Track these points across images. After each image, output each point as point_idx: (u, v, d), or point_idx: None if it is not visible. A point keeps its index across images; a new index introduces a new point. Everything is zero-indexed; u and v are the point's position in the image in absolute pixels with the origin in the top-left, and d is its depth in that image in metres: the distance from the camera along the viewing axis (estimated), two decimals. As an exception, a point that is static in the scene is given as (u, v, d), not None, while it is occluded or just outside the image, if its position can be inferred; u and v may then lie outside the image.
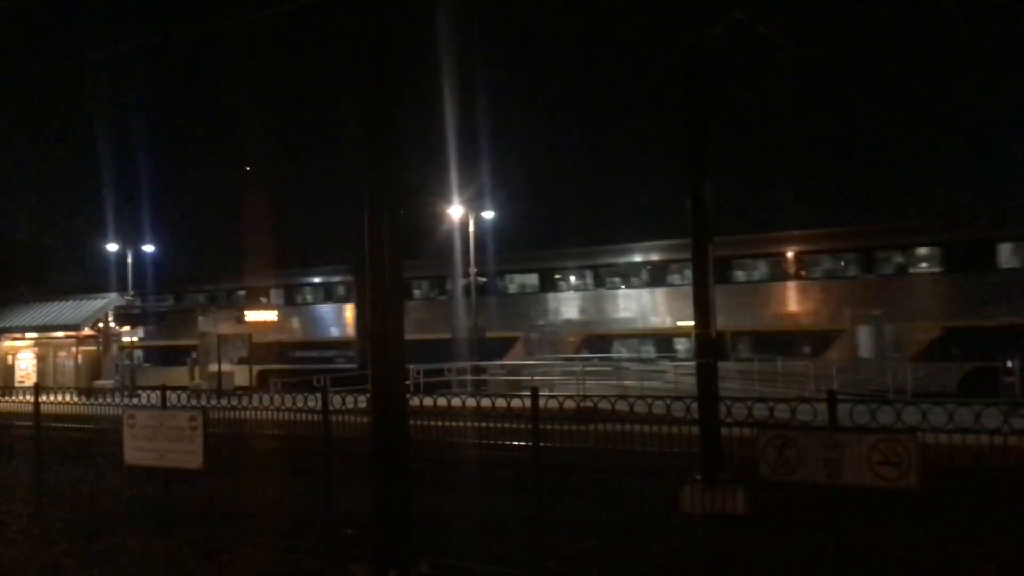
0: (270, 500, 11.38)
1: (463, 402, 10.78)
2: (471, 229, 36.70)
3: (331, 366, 36.66)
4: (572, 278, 37.91)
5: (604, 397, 9.87)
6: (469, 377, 32.45)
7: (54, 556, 10.59)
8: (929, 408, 7.74)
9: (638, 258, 36.52)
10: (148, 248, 55.61)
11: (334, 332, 42.31)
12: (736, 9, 12.29)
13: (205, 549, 10.34)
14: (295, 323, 42.99)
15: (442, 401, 10.40)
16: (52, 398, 13.31)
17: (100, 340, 37.25)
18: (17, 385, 34.09)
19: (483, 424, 10.65)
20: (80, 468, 12.79)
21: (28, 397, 12.95)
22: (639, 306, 35.86)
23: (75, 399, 13.93)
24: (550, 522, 9.35)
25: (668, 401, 9.38)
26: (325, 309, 43.25)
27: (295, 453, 11.46)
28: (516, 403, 9.53)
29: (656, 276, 35.61)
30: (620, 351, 35.55)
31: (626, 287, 36.51)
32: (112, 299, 38.42)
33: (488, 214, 38.60)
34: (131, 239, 54.74)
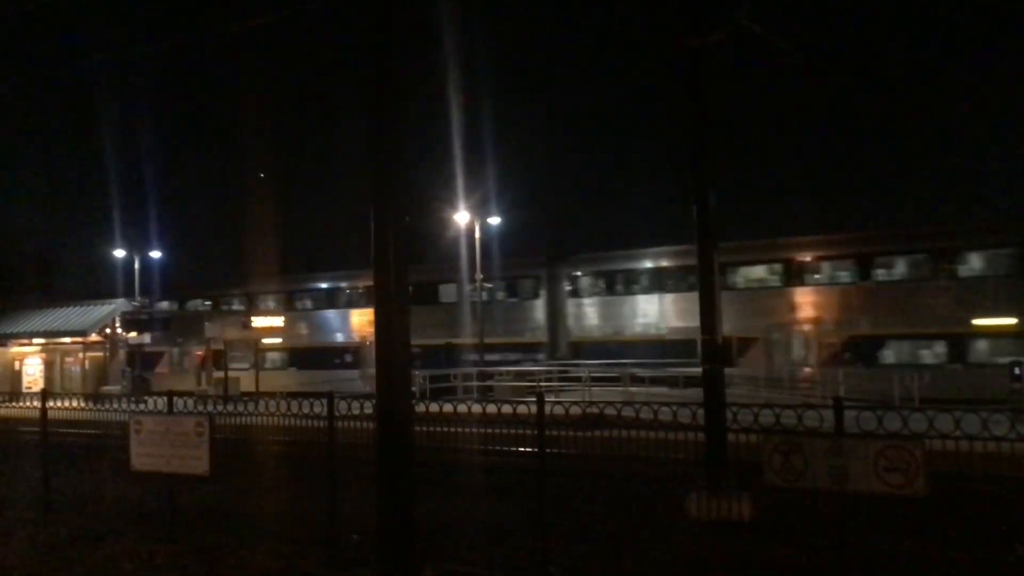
0: (275, 506, 11.39)
1: (469, 408, 10.78)
2: (477, 235, 36.61)
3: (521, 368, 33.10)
4: (826, 268, 33.07)
5: (610, 403, 9.84)
6: (475, 383, 32.37)
7: (59, 562, 10.60)
8: (936, 415, 7.71)
9: (921, 244, 31.50)
10: (155, 254, 55.85)
11: (524, 331, 38.55)
12: (739, 14, 12.29)
13: (210, 555, 10.35)
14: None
15: (448, 407, 10.42)
16: (59, 404, 13.33)
17: (107, 346, 37.34)
18: (25, 391, 34.14)
19: (489, 430, 10.65)
20: (86, 474, 12.80)
21: (35, 403, 12.98)
22: (921, 301, 30.76)
23: (82, 405, 13.95)
24: (555, 528, 9.34)
25: (674, 407, 9.37)
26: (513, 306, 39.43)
27: (301, 459, 11.47)
28: (522, 409, 9.55)
29: (942, 265, 30.83)
30: (889, 355, 30.96)
31: (904, 278, 31.60)
32: (119, 305, 38.52)
33: (495, 219, 38.51)
34: (138, 245, 55.01)
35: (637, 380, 28.75)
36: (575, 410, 9.91)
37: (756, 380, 28.55)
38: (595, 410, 10.49)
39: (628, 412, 9.44)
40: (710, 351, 12.57)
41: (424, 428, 10.01)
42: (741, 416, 8.83)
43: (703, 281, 12.76)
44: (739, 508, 10.58)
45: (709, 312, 12.58)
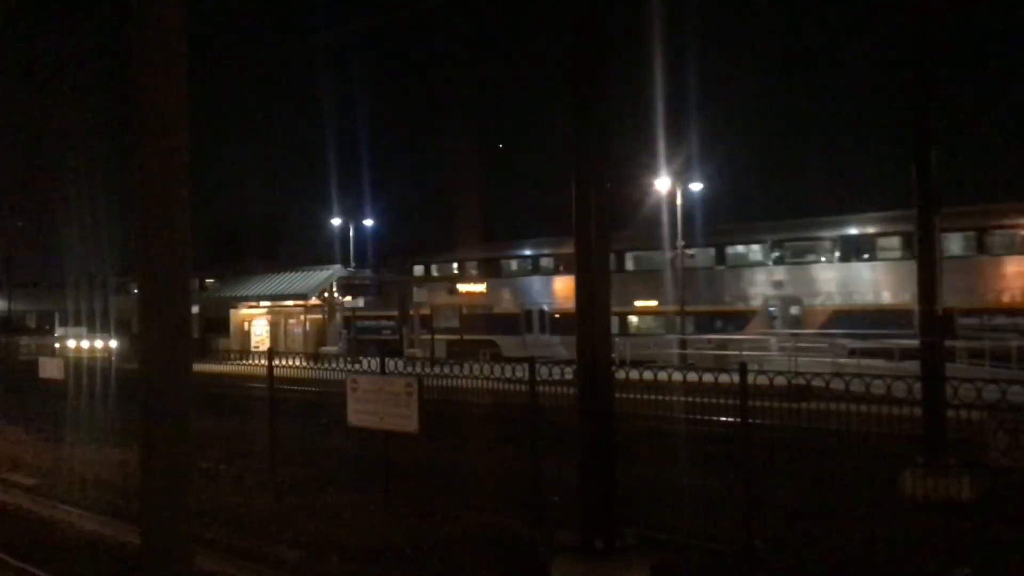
0: (479, 465, 11.77)
1: (669, 376, 10.71)
2: (678, 200, 35.89)
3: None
4: None
5: (818, 375, 9.51)
6: (675, 351, 32.09)
7: (285, 509, 11.44)
8: None
9: None
10: (368, 222, 58.64)
11: (884, 296, 33.57)
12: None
13: (419, 509, 10.85)
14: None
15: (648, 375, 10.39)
16: (283, 362, 14.27)
17: (325, 309, 39.48)
18: (253, 350, 36.73)
19: (691, 399, 10.55)
20: (308, 428, 13.66)
21: (262, 361, 13.98)
22: None
23: (304, 364, 14.89)
24: (758, 501, 9.16)
25: (888, 380, 8.94)
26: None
27: (504, 421, 11.78)
28: (724, 379, 9.40)
29: None
30: None
31: None
32: (336, 270, 40.60)
33: (696, 186, 37.66)
34: (353, 213, 57.95)
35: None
36: (780, 380, 9.64)
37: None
38: (801, 381, 10.13)
39: (837, 384, 9.08)
40: (929, 323, 11.86)
41: (625, 395, 10.04)
42: (963, 391, 8.30)
43: (922, 249, 12.02)
44: (959, 487, 9.99)
45: (928, 281, 11.85)
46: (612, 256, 35.66)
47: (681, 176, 36.38)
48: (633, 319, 39.65)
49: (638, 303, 38.69)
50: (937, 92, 12.10)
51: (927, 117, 11.82)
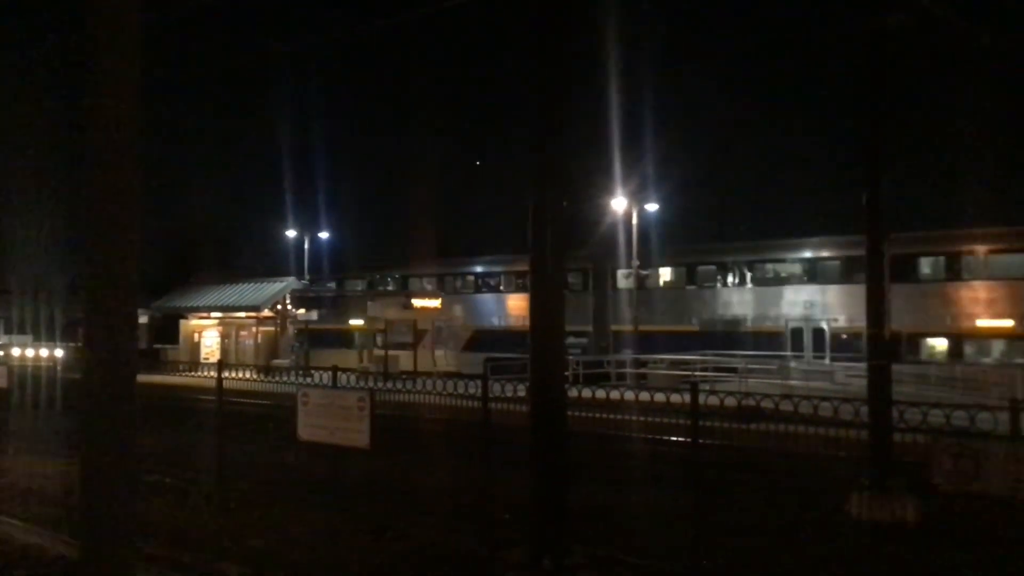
0: (431, 482, 11.69)
1: (621, 395, 10.76)
2: (634, 221, 36.05)
3: None
4: None
5: (767, 396, 9.61)
6: (629, 370, 32.20)
7: (232, 524, 11.24)
8: None
9: None
10: (323, 235, 58.26)
11: None
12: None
13: (371, 526, 10.74)
14: None
15: (600, 393, 10.41)
16: (233, 374, 14.07)
17: (278, 321, 39.11)
18: (202, 361, 36.22)
19: (642, 418, 10.59)
20: (257, 441, 13.48)
21: (212, 373, 13.78)
22: None
23: (254, 376, 14.72)
24: (708, 520, 9.20)
25: (836, 403, 9.05)
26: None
27: (456, 438, 11.73)
28: (676, 398, 9.45)
29: None
30: None
31: None
32: (290, 283, 40.27)
33: (652, 206, 37.89)
34: (308, 226, 57.53)
35: None
36: (730, 401, 9.71)
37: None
38: (751, 402, 10.22)
39: (786, 406, 9.18)
40: (876, 347, 12.05)
41: (577, 413, 10.04)
42: (909, 415, 8.44)
43: (871, 273, 12.22)
44: (903, 510, 10.14)
45: (876, 305, 12.05)
46: (932, 261, 32.61)
47: (638, 196, 36.60)
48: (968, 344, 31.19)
49: (980, 323, 30.12)
50: (886, 122, 12.35)
51: (877, 145, 12.06)
